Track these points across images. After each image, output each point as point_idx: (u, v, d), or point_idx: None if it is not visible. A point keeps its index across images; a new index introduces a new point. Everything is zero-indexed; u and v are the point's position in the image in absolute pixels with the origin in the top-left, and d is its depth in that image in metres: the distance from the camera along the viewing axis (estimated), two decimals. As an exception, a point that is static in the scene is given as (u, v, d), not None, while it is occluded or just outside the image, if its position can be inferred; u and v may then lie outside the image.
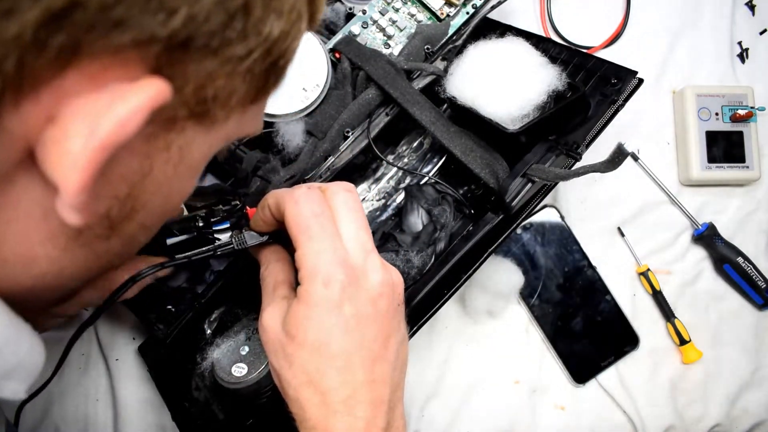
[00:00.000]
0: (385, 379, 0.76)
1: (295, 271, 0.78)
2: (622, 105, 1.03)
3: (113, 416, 1.21)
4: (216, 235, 1.03)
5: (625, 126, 1.42)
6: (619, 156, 0.85)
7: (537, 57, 1.10)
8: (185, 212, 1.02)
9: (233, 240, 0.91)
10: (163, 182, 0.57)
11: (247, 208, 1.01)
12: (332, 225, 0.77)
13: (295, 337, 0.74)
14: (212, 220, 1.03)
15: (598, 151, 1.04)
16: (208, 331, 1.11)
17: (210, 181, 1.20)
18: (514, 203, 1.03)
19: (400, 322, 0.80)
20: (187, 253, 0.94)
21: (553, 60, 1.11)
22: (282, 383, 0.77)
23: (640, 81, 1.03)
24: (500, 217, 1.07)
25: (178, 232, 1.02)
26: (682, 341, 1.39)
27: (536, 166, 1.01)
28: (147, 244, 0.90)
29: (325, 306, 0.73)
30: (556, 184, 1.05)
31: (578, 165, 0.97)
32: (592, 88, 1.07)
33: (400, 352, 0.80)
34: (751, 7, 1.53)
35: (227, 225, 1.04)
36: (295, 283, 0.82)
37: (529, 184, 1.03)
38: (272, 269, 0.85)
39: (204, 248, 0.93)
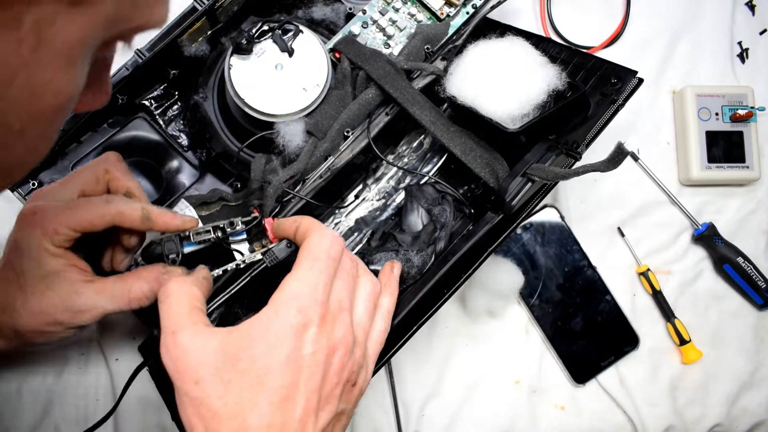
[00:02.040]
0: None
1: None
2: (622, 104, 1.02)
3: (113, 416, 1.21)
4: (234, 246, 1.03)
5: (625, 126, 1.42)
6: (619, 155, 0.85)
7: (537, 56, 1.10)
8: (200, 224, 1.02)
9: (266, 258, 0.93)
10: (18, 69, 0.48)
11: (265, 220, 1.01)
12: (331, 274, 0.79)
13: (239, 360, 0.71)
14: (229, 231, 1.03)
15: (598, 150, 1.04)
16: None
17: (210, 182, 1.20)
18: (514, 203, 1.03)
19: (345, 398, 0.77)
20: (223, 267, 0.95)
21: (553, 60, 1.11)
22: (201, 414, 0.70)
23: (640, 81, 1.03)
24: (500, 217, 1.07)
25: (196, 243, 1.02)
26: (682, 341, 1.39)
27: (536, 166, 1.01)
28: (161, 255, 0.92)
29: (287, 331, 0.72)
30: (556, 183, 1.05)
31: (578, 164, 0.97)
32: (592, 88, 1.07)
33: (333, 425, 0.76)
34: (751, 7, 1.53)
35: (244, 236, 1.04)
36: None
37: (529, 184, 1.02)
38: (185, 289, 0.81)
39: (235, 265, 0.97)
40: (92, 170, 0.98)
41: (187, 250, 1.02)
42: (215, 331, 0.74)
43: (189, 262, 1.01)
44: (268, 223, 1.01)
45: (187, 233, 0.99)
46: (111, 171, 0.98)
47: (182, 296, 0.79)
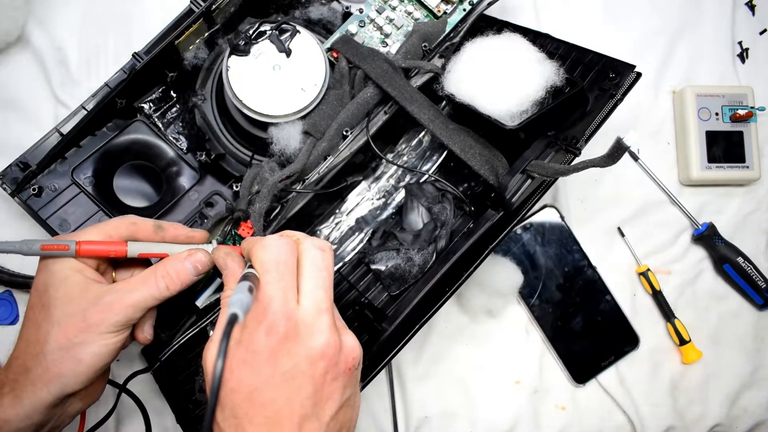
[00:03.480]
0: None
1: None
2: (621, 99, 1.02)
3: (115, 418, 1.21)
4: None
5: (625, 126, 1.42)
6: (618, 150, 0.85)
7: (534, 53, 1.09)
8: (211, 240, 1.02)
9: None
10: None
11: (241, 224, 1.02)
12: (292, 276, 0.77)
13: (228, 380, 0.73)
14: None
15: (597, 149, 1.04)
16: (211, 333, 1.11)
17: (210, 183, 1.20)
18: (514, 200, 1.03)
19: (345, 387, 0.77)
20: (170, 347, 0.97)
21: (551, 55, 1.11)
22: (216, 426, 0.75)
23: (638, 75, 1.02)
24: (500, 214, 1.07)
25: (203, 283, 1.02)
26: (682, 341, 1.39)
27: (535, 162, 1.01)
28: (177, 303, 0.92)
29: (264, 354, 0.72)
30: (556, 179, 1.05)
31: (578, 160, 0.97)
32: (590, 83, 1.07)
33: (340, 416, 0.77)
34: (751, 7, 1.53)
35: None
36: None
37: (529, 180, 1.02)
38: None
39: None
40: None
41: (202, 303, 1.02)
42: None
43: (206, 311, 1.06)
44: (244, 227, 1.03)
45: None
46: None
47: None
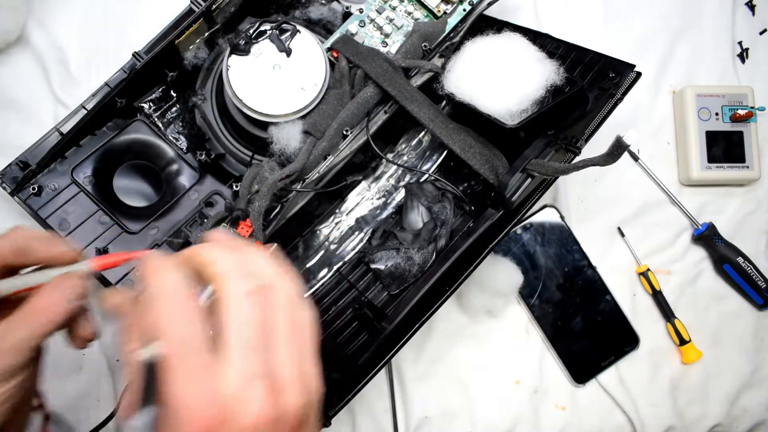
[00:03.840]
0: None
1: None
2: (621, 98, 1.02)
3: (115, 417, 1.21)
4: None
5: (625, 125, 1.42)
6: (618, 149, 0.85)
7: (534, 52, 1.10)
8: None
9: None
10: None
11: (257, 243, 1.01)
12: (208, 356, 0.57)
13: None
14: None
15: (597, 148, 1.04)
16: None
17: (210, 183, 1.20)
18: (514, 198, 1.03)
19: None
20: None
21: (551, 55, 1.11)
22: None
23: (638, 75, 1.02)
24: (500, 213, 1.07)
25: None
26: (682, 341, 1.39)
27: (535, 161, 1.01)
28: None
29: None
30: (556, 178, 1.05)
31: (577, 159, 0.97)
32: (590, 82, 1.07)
33: None
34: (751, 7, 1.53)
35: None
36: None
37: (529, 179, 1.02)
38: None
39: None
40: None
41: None
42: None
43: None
44: (257, 244, 1.02)
45: None
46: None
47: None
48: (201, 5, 1.11)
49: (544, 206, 1.39)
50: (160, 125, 1.19)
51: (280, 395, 0.58)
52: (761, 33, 1.53)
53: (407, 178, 1.23)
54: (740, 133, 1.44)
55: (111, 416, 1.06)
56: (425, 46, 1.16)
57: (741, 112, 1.42)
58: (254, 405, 0.55)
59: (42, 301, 0.71)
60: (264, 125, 1.11)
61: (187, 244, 1.15)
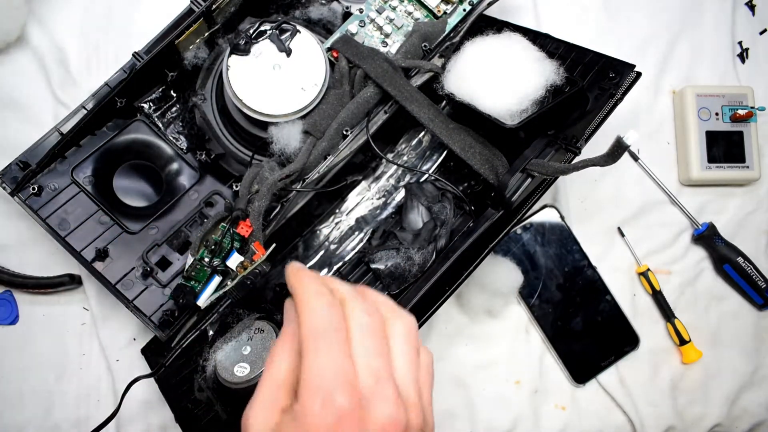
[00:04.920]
0: None
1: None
2: (621, 98, 1.02)
3: (115, 417, 1.21)
4: (228, 264, 1.03)
5: (625, 126, 1.42)
6: (618, 149, 0.85)
7: (534, 52, 1.10)
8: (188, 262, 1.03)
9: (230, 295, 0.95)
10: None
11: (256, 244, 1.02)
12: (345, 343, 0.64)
13: None
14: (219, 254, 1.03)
15: (597, 148, 1.04)
16: (211, 332, 1.11)
17: (210, 183, 1.20)
18: (514, 198, 1.03)
19: None
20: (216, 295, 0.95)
21: (551, 55, 1.11)
22: None
23: (638, 75, 1.03)
24: (500, 213, 1.07)
25: (195, 280, 1.03)
26: (682, 341, 1.38)
27: (535, 161, 1.01)
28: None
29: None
30: (556, 178, 1.05)
31: (577, 159, 0.97)
32: (590, 82, 1.07)
33: None
34: (751, 7, 1.53)
35: (234, 254, 1.03)
36: None
37: (529, 179, 1.03)
38: (286, 359, 0.68)
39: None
40: None
41: (203, 303, 1.02)
42: (281, 413, 0.65)
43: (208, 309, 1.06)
44: (255, 245, 1.02)
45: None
46: None
47: (281, 369, 0.67)
48: (201, 5, 1.11)
49: (544, 206, 1.39)
50: (160, 125, 1.19)
51: (407, 410, 0.63)
52: (761, 33, 1.53)
53: (407, 178, 1.24)
54: (740, 133, 1.44)
55: (111, 417, 1.06)
56: (425, 46, 1.16)
57: (741, 112, 1.42)
58: (386, 404, 0.61)
59: None
60: (264, 125, 1.11)
61: (187, 244, 1.15)
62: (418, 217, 1.17)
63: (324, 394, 0.60)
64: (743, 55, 1.51)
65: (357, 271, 1.21)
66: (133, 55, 1.15)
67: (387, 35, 1.19)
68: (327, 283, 0.70)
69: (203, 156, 1.19)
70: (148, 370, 1.15)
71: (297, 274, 0.70)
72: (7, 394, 1.21)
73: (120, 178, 1.18)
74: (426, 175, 1.22)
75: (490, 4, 1.20)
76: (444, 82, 1.12)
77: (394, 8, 1.20)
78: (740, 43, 1.52)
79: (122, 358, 1.24)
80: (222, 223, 1.06)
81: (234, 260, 1.02)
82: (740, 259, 1.40)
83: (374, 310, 0.68)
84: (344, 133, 1.10)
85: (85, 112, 1.13)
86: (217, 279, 1.01)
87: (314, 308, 0.66)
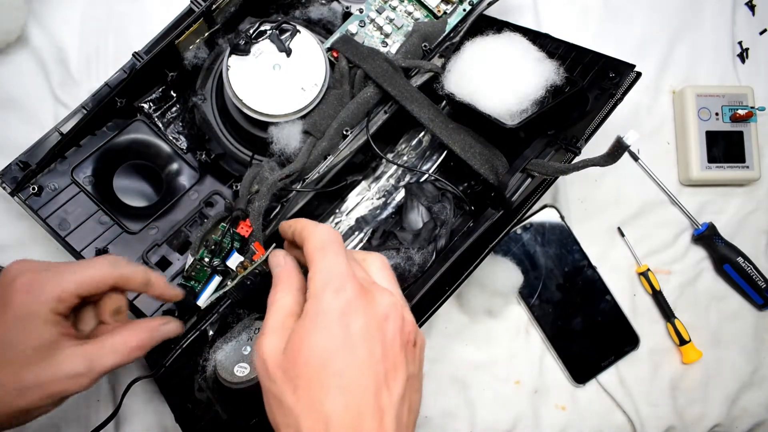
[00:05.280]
0: (391, 412, 0.70)
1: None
2: (621, 99, 1.02)
3: (114, 417, 1.21)
4: (228, 264, 1.03)
5: (625, 126, 1.42)
6: (618, 149, 0.85)
7: (534, 52, 1.10)
8: (188, 262, 1.03)
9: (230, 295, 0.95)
10: None
11: (256, 244, 1.02)
12: (344, 254, 0.77)
13: (298, 355, 0.71)
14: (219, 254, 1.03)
15: (597, 148, 1.04)
16: (211, 332, 1.11)
17: (210, 183, 1.20)
18: (514, 198, 1.03)
19: (409, 360, 0.75)
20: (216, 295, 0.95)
21: (551, 55, 1.11)
22: (281, 413, 0.72)
23: (638, 75, 1.03)
24: (500, 213, 1.07)
25: (195, 280, 1.03)
26: (682, 341, 1.39)
27: (535, 161, 1.01)
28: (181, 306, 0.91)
29: (333, 316, 0.71)
30: (556, 178, 1.05)
31: (577, 159, 0.97)
32: (590, 83, 1.07)
33: (408, 392, 0.74)
34: (751, 7, 1.53)
35: (234, 254, 1.03)
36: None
37: (529, 179, 1.03)
38: (289, 295, 0.81)
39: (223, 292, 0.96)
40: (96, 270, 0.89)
41: (203, 303, 1.02)
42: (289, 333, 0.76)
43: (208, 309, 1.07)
44: (255, 245, 1.02)
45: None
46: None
47: (285, 303, 0.80)
48: (201, 5, 1.11)
49: (544, 206, 1.39)
50: (160, 125, 1.19)
51: (402, 306, 0.77)
52: (761, 33, 1.53)
53: (407, 178, 1.23)
54: (740, 133, 1.44)
55: (111, 416, 1.05)
56: (425, 46, 1.16)
57: (741, 112, 1.42)
58: (385, 295, 0.76)
59: (144, 337, 0.89)
60: (264, 125, 1.11)
61: (187, 244, 1.15)
62: (418, 217, 1.17)
63: (334, 286, 0.73)
64: (743, 55, 1.51)
65: (357, 271, 1.21)
66: (133, 55, 1.15)
67: (387, 35, 1.19)
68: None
69: (203, 156, 1.19)
70: (148, 370, 1.15)
71: (294, 219, 0.87)
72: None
73: (120, 178, 1.18)
74: (426, 175, 1.22)
75: (490, 4, 1.20)
76: (444, 82, 1.12)
77: (394, 8, 1.20)
78: (740, 43, 1.52)
79: (122, 359, 1.24)
80: (222, 223, 1.06)
81: (234, 260, 1.02)
82: (740, 259, 1.40)
83: (353, 250, 0.83)
84: (344, 133, 1.11)
85: (85, 112, 1.13)
86: (217, 279, 1.01)
87: (319, 229, 0.80)
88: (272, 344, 0.74)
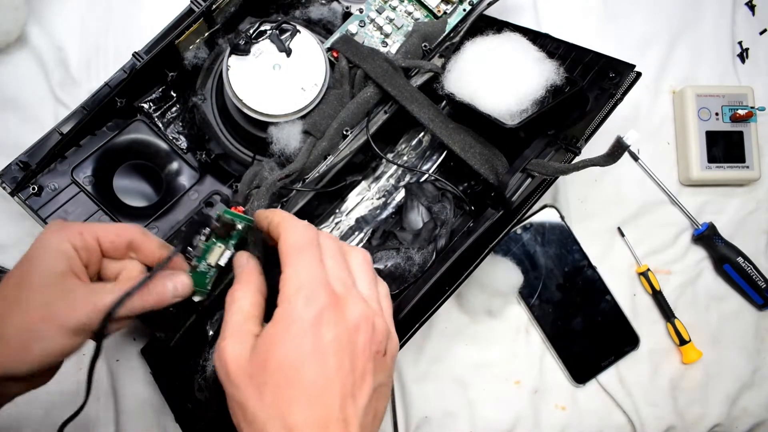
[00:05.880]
0: (355, 422, 0.71)
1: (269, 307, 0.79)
2: (621, 99, 1.02)
3: (115, 417, 1.21)
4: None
5: (625, 126, 1.42)
6: (618, 149, 0.85)
7: (534, 52, 1.09)
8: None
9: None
10: None
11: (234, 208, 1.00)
12: (320, 257, 0.77)
13: (268, 362, 0.71)
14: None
15: (597, 149, 1.04)
16: (211, 332, 1.11)
17: (210, 183, 1.20)
18: (514, 198, 1.03)
19: (377, 370, 0.76)
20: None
21: (551, 55, 1.11)
22: (245, 418, 0.72)
23: (638, 75, 1.03)
24: (500, 213, 1.07)
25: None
26: (682, 341, 1.39)
27: (535, 161, 1.01)
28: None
29: (304, 325, 0.71)
30: (556, 178, 1.05)
31: (577, 159, 0.97)
32: (590, 83, 1.07)
33: (374, 400, 0.75)
34: (751, 7, 1.53)
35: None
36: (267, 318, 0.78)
37: (529, 179, 1.02)
38: (248, 296, 0.81)
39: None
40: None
41: (198, 297, 1.01)
42: (256, 337, 0.76)
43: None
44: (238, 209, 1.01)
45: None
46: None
47: (245, 304, 0.80)
48: (201, 5, 1.11)
49: (544, 206, 1.39)
50: (160, 125, 1.19)
51: (374, 314, 0.77)
52: (761, 33, 1.53)
53: (407, 178, 1.23)
54: (740, 133, 1.44)
55: (82, 406, 1.03)
56: (425, 46, 1.16)
57: (741, 112, 1.42)
58: (358, 303, 0.75)
59: (155, 285, 0.84)
60: (264, 125, 1.11)
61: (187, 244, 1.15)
62: (418, 217, 1.17)
63: (306, 293, 0.72)
64: (743, 55, 1.52)
65: (357, 271, 1.21)
66: (133, 55, 1.15)
67: (387, 35, 1.19)
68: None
69: (203, 156, 1.19)
70: (148, 370, 1.15)
71: (272, 210, 0.86)
72: (28, 405, 1.21)
73: (120, 178, 1.18)
74: (426, 175, 1.22)
75: (490, 4, 1.20)
76: (444, 82, 1.12)
77: (394, 8, 1.20)
78: (740, 43, 1.52)
79: (122, 358, 1.24)
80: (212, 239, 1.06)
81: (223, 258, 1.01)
82: (740, 259, 1.40)
83: (335, 241, 0.82)
84: (344, 133, 1.10)
85: (85, 112, 1.13)
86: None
87: (296, 227, 0.79)
88: (235, 349, 0.75)
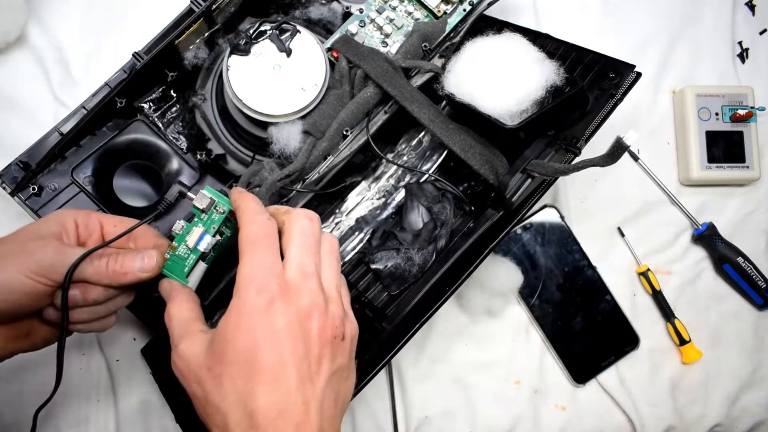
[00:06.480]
0: (314, 403, 0.74)
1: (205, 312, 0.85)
2: (621, 99, 1.02)
3: (115, 417, 1.21)
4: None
5: (625, 126, 1.42)
6: (618, 149, 0.85)
7: (534, 52, 1.09)
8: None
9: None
10: None
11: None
12: (276, 248, 0.80)
13: (224, 353, 0.74)
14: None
15: (597, 149, 1.04)
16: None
17: (210, 183, 1.19)
18: (514, 199, 1.03)
19: (335, 355, 0.79)
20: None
21: (551, 55, 1.11)
22: (208, 412, 0.75)
23: (638, 75, 1.03)
24: (500, 213, 1.07)
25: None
26: (682, 341, 1.39)
27: (535, 162, 1.01)
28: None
29: (256, 314, 0.74)
30: (556, 179, 1.05)
31: (578, 159, 0.97)
32: (590, 83, 1.07)
33: (334, 383, 0.78)
34: (751, 7, 1.53)
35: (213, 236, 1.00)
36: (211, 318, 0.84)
37: (529, 180, 1.02)
38: (182, 307, 0.85)
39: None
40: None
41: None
42: (206, 333, 0.79)
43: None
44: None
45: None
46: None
47: (181, 314, 0.83)
48: (201, 5, 1.11)
49: (544, 206, 1.39)
50: (160, 125, 1.19)
51: (328, 301, 0.79)
52: (761, 33, 1.53)
53: (407, 178, 1.23)
54: (740, 133, 1.44)
55: (53, 392, 1.03)
56: (425, 46, 1.16)
57: (741, 112, 1.42)
58: (310, 294, 0.77)
59: (124, 258, 0.87)
60: (264, 125, 1.11)
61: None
62: (418, 218, 1.17)
63: (258, 283, 0.75)
64: (743, 55, 1.52)
65: (357, 271, 1.21)
66: (133, 55, 1.15)
67: (387, 35, 1.19)
68: (270, 209, 0.88)
69: (203, 156, 1.19)
70: (148, 370, 1.15)
71: (241, 194, 0.87)
72: (6, 394, 1.21)
73: (120, 178, 1.18)
74: (426, 175, 1.22)
75: (490, 4, 1.20)
76: (444, 83, 1.12)
77: (394, 8, 1.20)
78: (740, 43, 1.52)
79: (122, 358, 1.24)
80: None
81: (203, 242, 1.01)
82: (740, 259, 1.41)
83: (313, 221, 0.84)
84: (344, 133, 1.10)
85: (85, 112, 1.13)
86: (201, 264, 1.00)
87: (255, 220, 0.81)
88: (189, 347, 0.78)
